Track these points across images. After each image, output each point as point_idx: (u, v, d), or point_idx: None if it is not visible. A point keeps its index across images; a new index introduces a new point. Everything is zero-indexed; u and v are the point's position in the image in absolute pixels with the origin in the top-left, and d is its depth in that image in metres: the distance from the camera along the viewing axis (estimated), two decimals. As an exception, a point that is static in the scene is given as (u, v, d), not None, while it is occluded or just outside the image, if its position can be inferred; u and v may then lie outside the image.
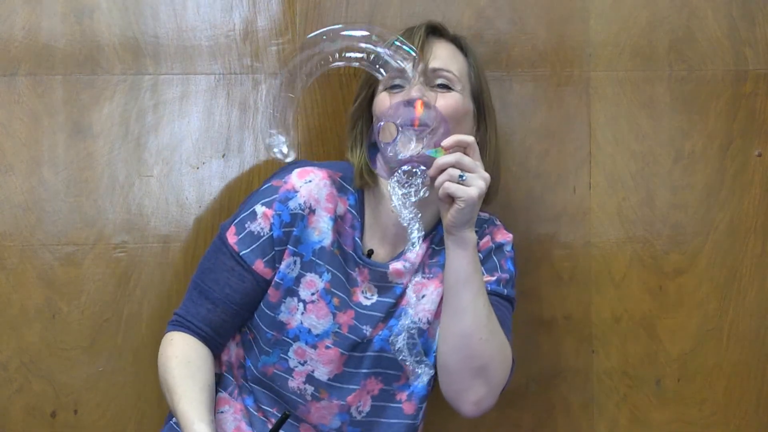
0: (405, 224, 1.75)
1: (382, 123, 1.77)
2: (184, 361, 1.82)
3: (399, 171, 1.75)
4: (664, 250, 2.20)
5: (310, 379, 1.86)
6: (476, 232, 1.84)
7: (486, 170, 1.80)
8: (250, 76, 2.13)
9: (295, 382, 1.86)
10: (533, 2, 2.16)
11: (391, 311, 1.88)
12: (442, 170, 1.74)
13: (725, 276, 2.21)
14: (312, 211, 1.85)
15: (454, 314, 1.80)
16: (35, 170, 2.11)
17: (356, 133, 1.91)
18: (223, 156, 2.13)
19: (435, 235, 1.92)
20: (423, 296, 1.89)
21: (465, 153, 1.76)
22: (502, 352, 1.84)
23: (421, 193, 1.75)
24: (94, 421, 2.13)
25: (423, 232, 1.76)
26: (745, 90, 2.20)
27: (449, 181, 1.73)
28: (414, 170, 1.75)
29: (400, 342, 1.81)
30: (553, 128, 2.18)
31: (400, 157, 1.75)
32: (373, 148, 1.87)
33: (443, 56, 1.88)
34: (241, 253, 1.85)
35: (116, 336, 2.12)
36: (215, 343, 1.87)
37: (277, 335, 1.86)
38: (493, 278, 1.90)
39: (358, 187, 1.89)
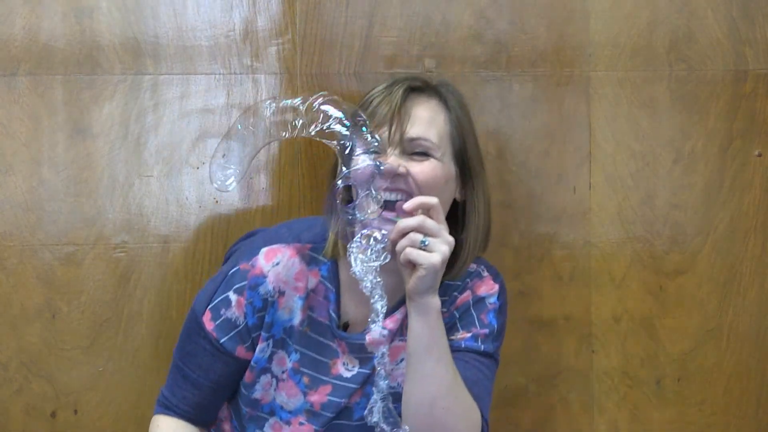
0: (367, 293, 1.66)
1: (340, 184, 1.69)
2: None
3: (358, 235, 1.68)
4: (664, 250, 2.20)
5: None
6: (458, 286, 1.82)
7: (474, 228, 1.79)
8: (250, 76, 2.13)
9: None
10: (533, 2, 2.16)
11: (369, 378, 1.84)
12: (403, 234, 1.68)
13: (725, 276, 2.21)
14: (281, 294, 1.81)
15: (417, 382, 1.73)
16: (35, 170, 2.11)
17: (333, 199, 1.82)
18: (223, 156, 2.12)
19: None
20: (401, 360, 1.85)
21: (428, 215, 1.69)
22: (467, 419, 1.77)
23: (382, 259, 1.67)
24: (94, 421, 2.13)
25: (385, 300, 1.67)
26: (745, 90, 2.20)
27: (411, 246, 1.67)
28: (374, 234, 1.68)
29: (376, 414, 1.70)
30: (553, 128, 2.18)
31: (360, 220, 1.68)
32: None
33: (422, 120, 1.79)
34: (221, 341, 1.81)
35: (116, 336, 2.12)
36: (204, 420, 1.87)
37: (251, 411, 1.85)
38: (469, 334, 1.84)
39: (329, 257, 1.83)
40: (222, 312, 1.81)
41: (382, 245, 1.67)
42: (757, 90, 2.20)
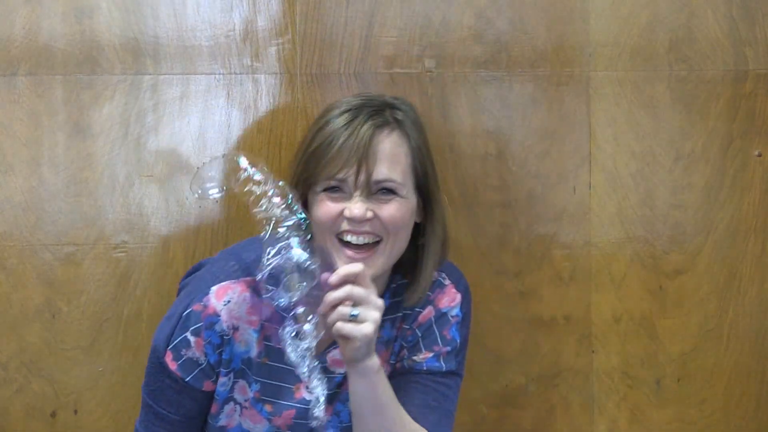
0: (305, 380, 1.67)
1: (264, 274, 1.67)
2: None
3: (289, 321, 1.68)
4: (664, 250, 2.20)
5: None
6: (418, 301, 1.82)
7: (432, 250, 1.79)
8: (250, 76, 2.13)
9: None
10: (533, 2, 2.16)
11: (337, 392, 1.84)
12: (333, 307, 1.67)
13: (725, 276, 2.21)
14: (236, 329, 1.80)
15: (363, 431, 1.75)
16: (35, 170, 2.11)
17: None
18: (223, 156, 2.12)
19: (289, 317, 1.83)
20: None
21: (355, 283, 1.67)
22: None
23: (313, 338, 1.68)
24: (94, 421, 2.13)
25: (325, 385, 1.69)
26: (745, 90, 2.20)
27: (341, 321, 1.66)
28: (304, 314, 1.68)
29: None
30: (553, 128, 2.18)
31: (287, 302, 1.67)
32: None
33: (386, 159, 1.76)
34: (186, 380, 1.81)
35: (116, 336, 2.12)
36: None
37: None
38: (431, 354, 1.84)
39: None
40: (183, 352, 1.81)
41: (313, 324, 1.67)
42: (757, 90, 2.20)
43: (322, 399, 1.69)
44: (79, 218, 2.11)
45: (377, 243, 1.77)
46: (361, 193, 1.75)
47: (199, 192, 1.72)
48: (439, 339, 1.86)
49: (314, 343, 1.68)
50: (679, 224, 2.20)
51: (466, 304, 1.90)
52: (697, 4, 2.18)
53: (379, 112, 1.80)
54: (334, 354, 1.83)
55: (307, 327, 1.68)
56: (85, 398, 2.13)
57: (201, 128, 2.13)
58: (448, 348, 1.86)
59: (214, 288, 1.81)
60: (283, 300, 1.68)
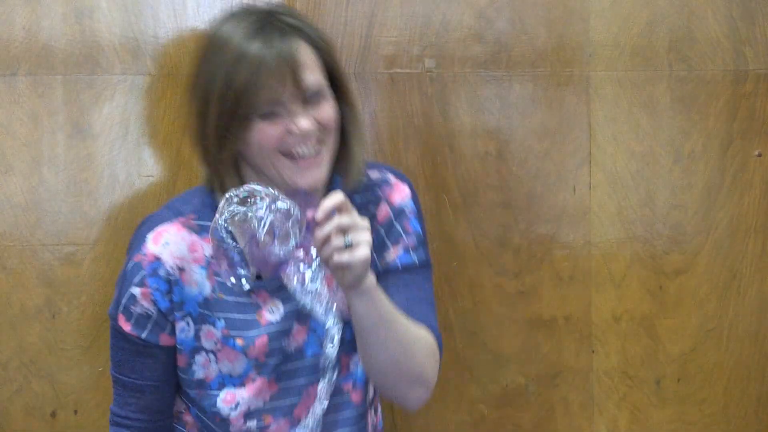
0: (321, 319, 1.70)
1: (258, 236, 1.64)
2: None
3: (291, 269, 1.69)
4: (664, 250, 2.20)
5: (248, 415, 1.83)
6: (372, 199, 1.81)
7: (357, 133, 1.79)
8: (250, 76, 2.12)
9: (235, 427, 1.84)
10: (533, 2, 2.16)
11: (306, 313, 1.83)
12: (324, 241, 1.65)
13: (725, 276, 2.21)
14: (182, 270, 1.79)
15: (375, 350, 1.75)
16: (35, 170, 2.11)
17: (221, 163, 1.78)
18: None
19: (291, 264, 1.83)
20: (337, 286, 1.82)
21: (339, 210, 1.66)
22: (430, 356, 1.79)
23: (322, 278, 1.70)
24: (94, 421, 2.13)
25: (340, 325, 1.72)
26: (745, 90, 2.20)
27: (336, 252, 1.64)
28: (304, 260, 1.69)
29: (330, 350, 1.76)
30: (553, 128, 2.18)
31: (286, 254, 1.66)
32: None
33: (307, 66, 1.74)
34: (142, 337, 1.80)
35: (116, 336, 2.12)
36: (161, 422, 1.86)
37: (200, 392, 1.84)
38: (401, 249, 1.84)
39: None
40: (132, 309, 1.80)
41: (317, 269, 1.69)
42: (757, 90, 2.20)
43: (336, 338, 1.70)
44: (79, 218, 2.11)
45: (321, 145, 1.76)
46: (300, 106, 1.74)
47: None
48: (402, 233, 1.85)
49: (323, 284, 1.69)
50: (679, 224, 2.20)
51: (414, 197, 1.90)
52: (697, 4, 2.18)
53: (275, 24, 1.76)
54: (289, 270, 1.80)
55: (310, 272, 1.69)
56: (85, 398, 2.13)
57: (201, 128, 2.12)
58: (414, 240, 1.86)
59: (149, 235, 1.80)
60: (282, 252, 1.66)
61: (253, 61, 1.72)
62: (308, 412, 1.84)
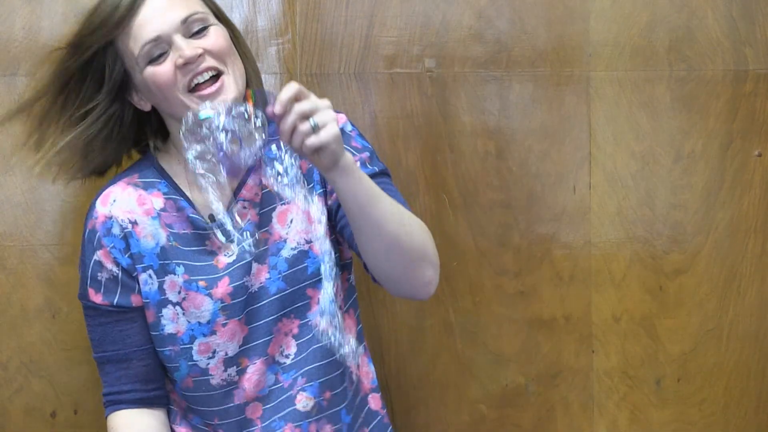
0: (303, 203, 1.69)
1: (224, 147, 1.68)
2: None
3: (266, 167, 1.70)
4: (664, 250, 2.20)
5: (227, 362, 1.84)
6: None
7: (251, 59, 1.86)
8: (250, 76, 2.12)
9: (216, 378, 1.85)
10: (533, 2, 2.16)
11: (264, 251, 1.84)
12: (292, 132, 1.64)
13: (725, 276, 2.21)
14: (134, 223, 1.83)
15: (371, 231, 1.72)
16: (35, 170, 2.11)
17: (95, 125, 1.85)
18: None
19: (264, 163, 1.82)
20: (291, 221, 1.86)
21: (297, 99, 1.65)
22: (426, 233, 1.78)
23: (294, 165, 1.69)
24: (94, 421, 2.12)
25: (323, 208, 1.75)
26: (745, 90, 2.20)
27: (305, 137, 1.63)
28: (276, 156, 1.69)
29: (324, 323, 1.72)
30: (553, 128, 2.18)
31: (255, 155, 1.69)
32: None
33: (174, 2, 1.80)
34: (115, 303, 1.83)
35: (116, 336, 2.12)
36: (155, 393, 1.86)
37: (173, 348, 1.85)
38: (358, 164, 1.79)
39: (158, 169, 1.86)
40: (99, 277, 1.83)
41: (290, 159, 1.69)
42: (757, 90, 2.20)
43: (323, 219, 1.70)
44: (79, 218, 2.11)
45: (221, 74, 1.79)
46: (181, 40, 1.78)
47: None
48: (353, 150, 1.84)
49: (298, 170, 1.69)
50: (679, 224, 2.20)
51: (350, 122, 1.90)
52: (697, 4, 2.18)
53: None
54: (236, 208, 1.84)
55: (285, 161, 1.69)
56: (85, 398, 2.13)
57: (201, 128, 2.12)
58: (366, 153, 1.86)
59: (97, 200, 1.86)
60: (251, 154, 1.69)
61: (123, 8, 1.78)
62: (281, 346, 1.85)
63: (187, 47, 1.77)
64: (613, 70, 2.18)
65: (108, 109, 1.85)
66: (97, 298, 1.84)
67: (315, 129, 1.62)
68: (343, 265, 1.91)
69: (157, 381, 1.87)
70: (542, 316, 2.19)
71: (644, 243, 2.20)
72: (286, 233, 1.86)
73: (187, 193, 1.86)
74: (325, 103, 1.65)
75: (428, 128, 2.15)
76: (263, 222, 1.85)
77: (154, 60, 1.78)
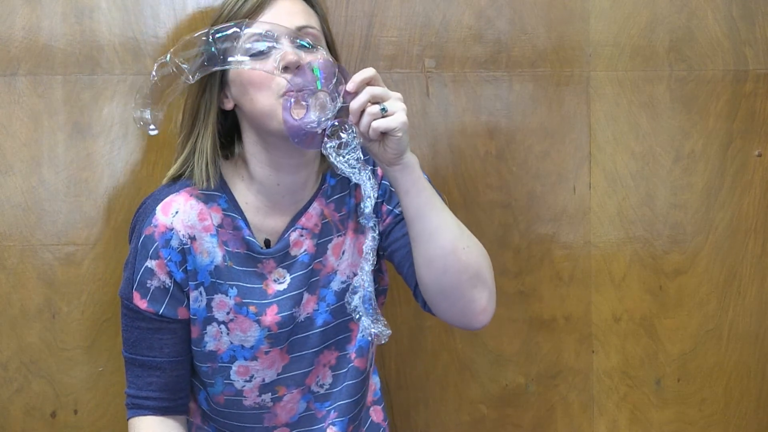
0: (361, 182, 1.68)
1: (292, 100, 1.69)
2: None
3: (326, 137, 1.68)
4: (664, 250, 2.20)
5: (263, 388, 1.85)
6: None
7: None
8: (250, 76, 2.12)
9: (250, 400, 1.85)
10: (533, 2, 2.16)
11: (315, 281, 1.85)
12: (360, 113, 1.67)
13: (725, 276, 2.21)
14: (193, 239, 1.80)
15: (430, 237, 1.72)
16: (35, 170, 2.11)
17: (202, 126, 1.82)
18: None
19: (326, 189, 1.87)
20: (343, 253, 1.87)
21: (371, 83, 1.69)
22: (484, 253, 1.78)
23: (356, 145, 1.68)
24: (94, 421, 2.13)
25: (376, 187, 1.74)
26: (745, 90, 2.20)
27: (374, 119, 1.66)
28: (340, 127, 1.68)
29: (356, 300, 1.72)
30: (553, 128, 2.18)
31: (323, 122, 1.68)
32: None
33: (297, 8, 1.79)
34: (160, 313, 1.80)
35: (116, 336, 2.12)
36: (177, 403, 1.85)
37: (212, 365, 1.84)
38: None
39: (219, 184, 1.82)
40: (149, 284, 1.80)
41: (350, 133, 1.68)
42: (757, 90, 2.20)
43: (373, 196, 1.68)
44: (79, 218, 2.11)
45: None
46: (287, 41, 1.74)
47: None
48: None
49: (359, 150, 1.68)
50: (679, 224, 2.20)
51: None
52: (697, 4, 2.18)
53: None
54: (293, 236, 1.83)
55: (345, 136, 1.68)
56: (85, 398, 2.13)
57: (201, 128, 2.12)
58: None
59: (158, 207, 1.81)
60: (314, 120, 1.68)
61: (246, 3, 1.77)
62: (318, 376, 1.86)
63: (290, 51, 1.72)
64: (613, 70, 2.18)
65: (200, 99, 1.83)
66: (141, 303, 1.80)
67: (384, 113, 1.65)
68: (379, 290, 1.92)
69: (184, 390, 1.86)
70: (542, 316, 2.19)
71: (644, 243, 2.20)
72: (338, 265, 1.86)
73: (245, 213, 1.84)
74: (396, 94, 1.68)
75: (428, 128, 2.16)
76: (319, 252, 1.85)
77: (256, 55, 1.73)
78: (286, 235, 1.84)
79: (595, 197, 2.19)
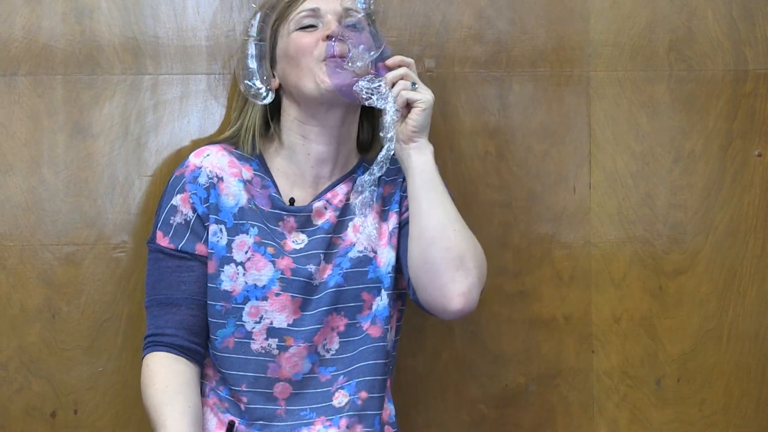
0: (387, 104, 1.87)
1: (334, 42, 1.88)
2: (161, 386, 1.85)
3: (363, 81, 1.87)
4: (664, 250, 2.20)
5: (271, 332, 1.89)
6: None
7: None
8: (250, 76, 2.12)
9: (257, 344, 1.89)
10: (533, 2, 2.16)
11: (333, 252, 1.93)
12: (393, 84, 1.87)
13: (725, 276, 2.21)
14: (220, 179, 1.91)
15: (427, 212, 1.86)
16: (35, 170, 2.11)
17: (250, 104, 1.98)
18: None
19: (355, 178, 1.96)
20: (364, 229, 1.95)
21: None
22: (476, 245, 1.88)
23: (386, 93, 1.87)
24: (94, 421, 2.13)
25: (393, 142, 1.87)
26: (745, 90, 2.20)
27: (404, 88, 1.86)
28: (375, 80, 1.87)
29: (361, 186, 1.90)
30: (553, 128, 2.18)
31: (359, 72, 1.87)
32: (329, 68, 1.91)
33: None
34: (180, 248, 1.90)
35: (116, 336, 2.12)
36: (195, 346, 1.89)
37: (226, 305, 1.89)
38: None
39: (257, 153, 1.97)
40: (172, 221, 1.90)
41: (381, 85, 1.88)
42: (757, 90, 2.20)
43: (392, 112, 1.86)
44: (79, 218, 2.11)
45: None
46: (333, 18, 1.91)
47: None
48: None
49: (386, 87, 1.88)
50: (679, 224, 2.20)
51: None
52: (697, 4, 2.18)
53: None
54: (317, 204, 1.94)
55: (377, 82, 1.88)
56: (85, 398, 2.13)
57: (201, 128, 2.13)
58: None
59: (191, 153, 1.95)
60: (356, 70, 1.87)
61: None
62: (325, 339, 1.92)
63: (335, 26, 1.90)
64: (613, 70, 2.18)
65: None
66: (164, 241, 1.90)
67: (414, 88, 1.86)
68: (398, 294, 1.98)
69: (200, 336, 1.90)
70: (542, 316, 2.19)
71: (644, 243, 2.20)
72: (356, 239, 1.94)
73: (275, 178, 1.95)
74: (427, 88, 1.88)
75: (428, 128, 2.15)
76: (340, 227, 1.94)
77: (303, 28, 1.92)
78: (310, 204, 1.94)
79: (595, 197, 2.19)
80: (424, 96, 1.85)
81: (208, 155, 1.93)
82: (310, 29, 1.92)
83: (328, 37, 1.88)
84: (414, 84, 1.86)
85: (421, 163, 1.87)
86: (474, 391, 2.18)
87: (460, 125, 2.16)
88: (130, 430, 2.12)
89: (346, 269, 1.92)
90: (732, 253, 2.21)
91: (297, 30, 1.92)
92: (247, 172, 1.94)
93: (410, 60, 1.90)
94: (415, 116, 1.85)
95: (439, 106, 2.15)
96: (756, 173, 2.21)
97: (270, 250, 1.90)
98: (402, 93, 1.85)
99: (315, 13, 1.92)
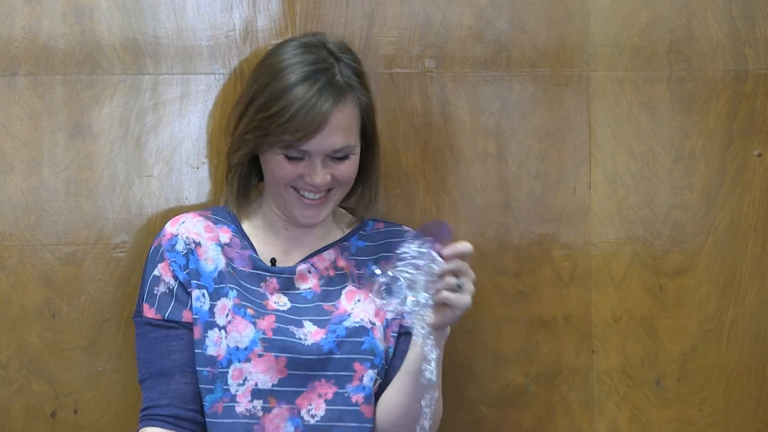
0: (424, 346, 1.72)
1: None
2: None
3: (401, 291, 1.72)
4: (664, 250, 2.20)
5: (255, 393, 1.87)
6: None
7: (370, 182, 1.96)
8: (250, 76, 2.12)
9: (241, 406, 1.87)
10: (533, 2, 2.16)
11: (326, 319, 1.90)
12: (441, 276, 1.73)
13: (725, 276, 2.21)
14: (197, 244, 1.91)
15: (416, 393, 1.79)
16: (35, 170, 2.11)
17: (237, 177, 1.96)
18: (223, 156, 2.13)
19: (348, 246, 1.97)
20: (358, 300, 1.93)
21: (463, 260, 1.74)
22: (440, 412, 1.91)
23: (431, 310, 1.72)
24: (94, 421, 2.13)
25: (438, 351, 1.75)
26: (745, 90, 2.20)
27: (447, 290, 1.71)
28: (417, 298, 1.72)
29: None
30: (553, 128, 2.18)
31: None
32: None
33: (342, 129, 1.87)
34: (166, 317, 1.89)
35: (116, 336, 2.12)
36: (191, 414, 1.88)
37: (212, 370, 1.88)
38: None
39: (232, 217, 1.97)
40: (155, 291, 1.90)
41: (429, 298, 1.71)
42: (757, 90, 2.20)
43: (434, 361, 1.71)
44: (79, 218, 2.11)
45: (329, 190, 1.91)
46: (321, 159, 1.87)
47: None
48: None
49: (431, 315, 1.72)
50: (679, 224, 2.20)
51: None
52: (697, 4, 2.18)
53: (332, 74, 1.88)
54: (301, 267, 1.93)
55: (422, 297, 1.72)
56: (85, 398, 2.13)
57: (201, 128, 2.13)
58: None
59: (167, 224, 1.95)
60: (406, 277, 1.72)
61: (287, 102, 1.84)
62: (311, 404, 1.88)
63: (320, 175, 1.86)
64: (613, 70, 2.18)
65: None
66: (150, 312, 1.90)
67: (457, 288, 1.72)
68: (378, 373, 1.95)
69: (195, 403, 1.88)
70: (542, 316, 2.19)
71: (644, 243, 2.20)
72: (352, 309, 1.92)
73: (253, 242, 1.95)
74: (472, 273, 1.74)
75: (428, 128, 2.16)
76: (330, 296, 1.92)
77: (289, 157, 1.87)
78: (294, 266, 1.93)
79: (595, 197, 2.19)
80: (462, 302, 1.72)
81: (183, 222, 1.93)
82: (293, 159, 1.87)
83: (303, 179, 1.87)
84: (459, 284, 1.72)
85: (435, 357, 1.74)
86: (474, 391, 2.18)
87: (460, 125, 2.16)
88: (130, 430, 2.12)
89: (341, 337, 1.89)
90: (732, 253, 2.21)
91: (282, 152, 1.87)
92: (225, 235, 1.94)
93: (468, 249, 1.73)
94: (447, 318, 1.74)
95: (440, 106, 2.15)
96: (756, 173, 2.21)
97: (249, 311, 1.88)
98: (443, 294, 1.71)
99: (306, 152, 1.87)
